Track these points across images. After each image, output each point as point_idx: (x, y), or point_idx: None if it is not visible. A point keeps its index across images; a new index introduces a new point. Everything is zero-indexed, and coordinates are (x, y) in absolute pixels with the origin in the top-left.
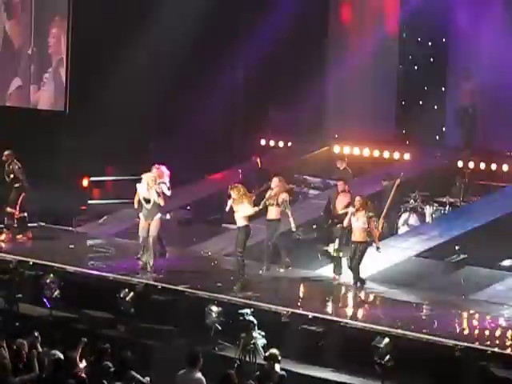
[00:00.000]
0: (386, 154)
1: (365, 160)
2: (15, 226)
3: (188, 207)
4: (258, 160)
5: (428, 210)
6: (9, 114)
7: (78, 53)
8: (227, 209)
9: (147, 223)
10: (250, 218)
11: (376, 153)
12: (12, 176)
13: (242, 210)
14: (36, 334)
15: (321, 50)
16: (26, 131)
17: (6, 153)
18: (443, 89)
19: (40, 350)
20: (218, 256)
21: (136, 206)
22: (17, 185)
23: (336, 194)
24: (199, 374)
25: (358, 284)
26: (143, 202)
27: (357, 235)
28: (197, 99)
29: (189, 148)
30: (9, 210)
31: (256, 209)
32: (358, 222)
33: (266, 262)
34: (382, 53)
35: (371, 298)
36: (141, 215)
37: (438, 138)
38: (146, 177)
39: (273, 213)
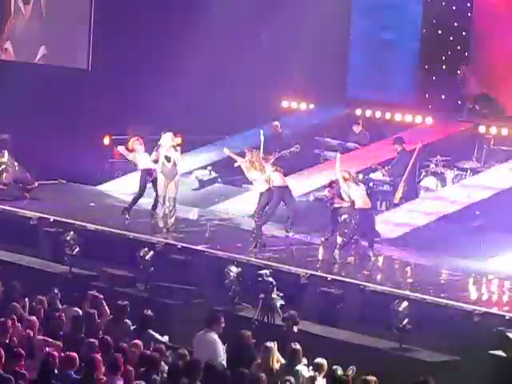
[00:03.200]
0: (408, 118)
1: (386, 123)
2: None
3: (209, 168)
4: (279, 126)
5: (449, 174)
6: (31, 71)
7: (102, 10)
8: (236, 165)
9: (167, 182)
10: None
11: (398, 117)
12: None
13: (258, 176)
14: (56, 290)
15: (343, 13)
16: (49, 89)
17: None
18: (466, 53)
19: (59, 306)
20: (239, 216)
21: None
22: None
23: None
24: (215, 336)
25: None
26: (164, 161)
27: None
28: (220, 60)
29: (210, 109)
30: None
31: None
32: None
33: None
34: (406, 16)
35: (390, 261)
36: (160, 174)
37: (460, 102)
38: (163, 138)
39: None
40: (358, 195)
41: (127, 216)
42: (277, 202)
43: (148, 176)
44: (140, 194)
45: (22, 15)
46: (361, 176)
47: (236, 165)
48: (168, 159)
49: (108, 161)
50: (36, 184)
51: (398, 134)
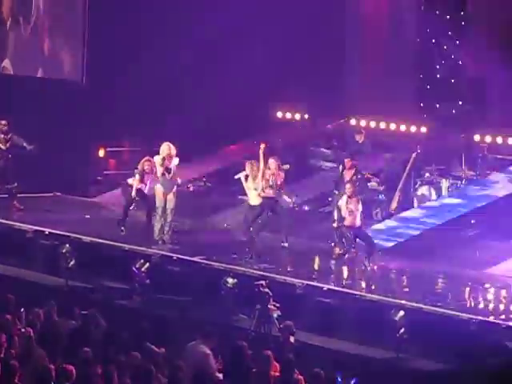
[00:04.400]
0: (403, 128)
1: (381, 133)
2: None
3: (204, 179)
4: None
5: (444, 183)
6: (25, 83)
7: (97, 23)
8: (236, 177)
9: (166, 193)
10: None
11: (393, 126)
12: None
13: (255, 187)
14: (52, 303)
15: (338, 24)
16: (43, 101)
17: (3, 122)
18: (460, 62)
19: (56, 319)
20: (234, 228)
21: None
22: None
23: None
24: (207, 349)
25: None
26: (165, 172)
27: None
28: (214, 72)
29: (205, 120)
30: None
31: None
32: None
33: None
34: (400, 26)
35: (386, 270)
36: (159, 185)
37: (454, 111)
38: (162, 147)
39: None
40: (349, 213)
41: (122, 228)
42: (266, 212)
43: (131, 190)
44: (128, 207)
45: (22, 34)
46: None
47: (237, 177)
48: (168, 171)
49: (103, 173)
50: (15, 184)
51: (389, 144)
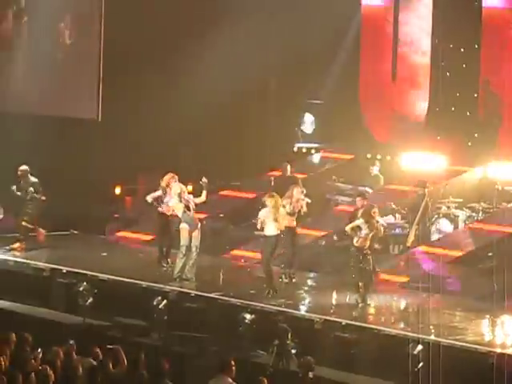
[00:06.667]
0: (420, 160)
1: (397, 166)
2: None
3: (221, 215)
4: (288, 167)
5: (461, 216)
6: (40, 121)
7: (110, 59)
8: (258, 225)
9: (191, 231)
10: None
11: (409, 159)
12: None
13: (277, 219)
14: (71, 342)
15: (352, 53)
16: (58, 139)
17: (22, 168)
18: (475, 95)
19: (75, 357)
20: (251, 263)
21: (150, 200)
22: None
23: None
24: (230, 380)
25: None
26: (186, 210)
27: None
28: (228, 105)
29: (221, 154)
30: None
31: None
32: None
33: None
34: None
35: (403, 304)
36: (184, 224)
37: (470, 144)
38: (175, 187)
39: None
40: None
41: (164, 264)
42: (288, 243)
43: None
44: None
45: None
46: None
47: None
48: (188, 208)
49: (120, 210)
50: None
51: (417, 177)
